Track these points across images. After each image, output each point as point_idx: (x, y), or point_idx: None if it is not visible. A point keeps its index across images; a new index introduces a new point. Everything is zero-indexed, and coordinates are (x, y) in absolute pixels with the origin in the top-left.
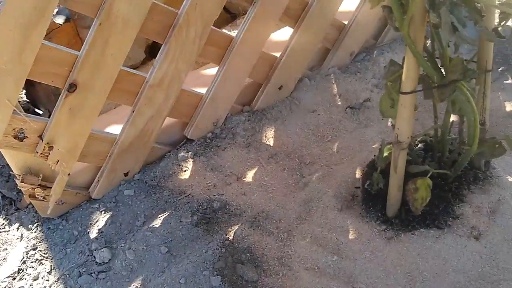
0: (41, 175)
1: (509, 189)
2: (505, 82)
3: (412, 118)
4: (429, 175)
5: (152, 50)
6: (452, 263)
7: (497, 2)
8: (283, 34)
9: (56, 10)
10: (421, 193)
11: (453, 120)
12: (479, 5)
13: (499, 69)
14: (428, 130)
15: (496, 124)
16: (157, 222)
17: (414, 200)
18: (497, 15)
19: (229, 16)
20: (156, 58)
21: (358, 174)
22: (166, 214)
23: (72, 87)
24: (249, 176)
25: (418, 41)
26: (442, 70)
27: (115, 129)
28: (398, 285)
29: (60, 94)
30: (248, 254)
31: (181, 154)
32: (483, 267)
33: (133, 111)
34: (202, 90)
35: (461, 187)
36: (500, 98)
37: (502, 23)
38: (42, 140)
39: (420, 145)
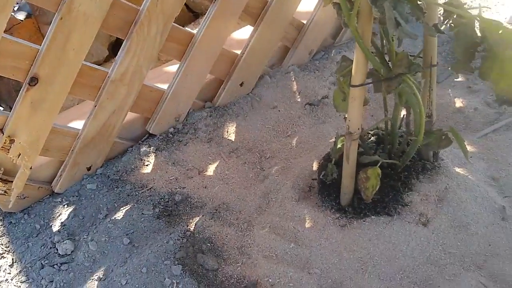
0: (2, 169)
1: (456, 178)
2: (455, 80)
3: (362, 110)
4: (379, 164)
5: (115, 47)
6: (401, 248)
7: (438, 1)
8: (245, 32)
9: (17, 6)
10: (372, 182)
11: (405, 114)
12: (420, 2)
13: (450, 68)
14: (379, 123)
15: (446, 119)
16: (119, 215)
17: (365, 188)
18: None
19: (192, 15)
20: (118, 53)
21: (315, 166)
22: (128, 207)
23: (33, 81)
24: (211, 170)
25: (365, 36)
26: (390, 65)
27: (77, 124)
28: (351, 269)
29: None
30: (209, 244)
31: (143, 149)
32: (430, 252)
33: (95, 106)
34: (164, 86)
35: (410, 177)
36: (450, 94)
37: (445, 22)
38: (3, 134)
39: (372, 138)
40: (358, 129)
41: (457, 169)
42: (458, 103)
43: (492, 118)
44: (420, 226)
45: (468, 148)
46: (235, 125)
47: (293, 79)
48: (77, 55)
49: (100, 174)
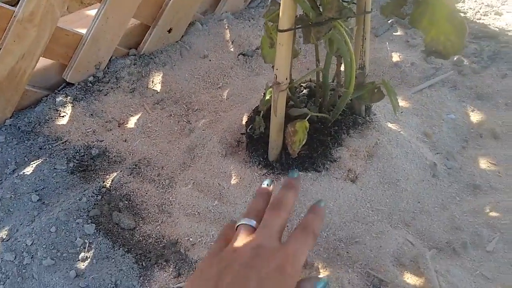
0: None
1: (387, 134)
2: (394, 33)
3: (290, 58)
4: (307, 118)
5: None
6: (328, 204)
7: None
8: None
9: None
10: (299, 136)
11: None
12: None
13: (389, 21)
14: (309, 74)
15: (382, 74)
16: (28, 170)
17: (292, 142)
18: None
19: None
20: None
21: (244, 120)
22: (40, 161)
23: None
24: (132, 122)
25: None
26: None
27: None
28: None
29: None
30: (126, 202)
31: (59, 98)
32: (358, 209)
33: (0, 49)
34: (84, 30)
35: (340, 132)
36: (388, 48)
37: None
38: None
39: (304, 90)
40: (286, 79)
41: (390, 125)
42: (396, 57)
43: (429, 73)
44: (348, 182)
45: (403, 103)
46: (161, 75)
47: (227, 27)
48: None
49: (10, 125)
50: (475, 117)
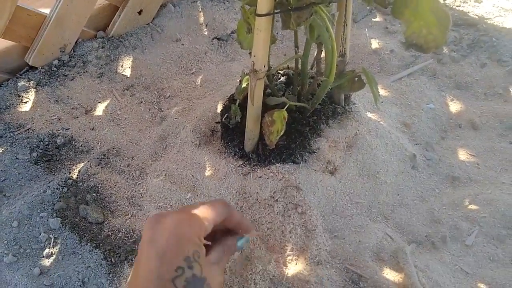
0: None
1: (367, 124)
2: (373, 19)
3: (269, 44)
4: (286, 107)
5: None
6: (307, 197)
7: None
8: None
9: None
10: (277, 126)
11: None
12: None
13: (368, 7)
14: (288, 61)
15: (361, 61)
16: None
17: (269, 133)
18: None
19: None
20: None
21: (220, 108)
22: (0, 151)
23: None
24: (100, 109)
25: None
26: None
27: None
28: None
29: None
30: (94, 194)
31: (21, 83)
32: (337, 202)
33: None
34: (47, 10)
35: (319, 122)
36: (367, 35)
37: None
38: None
39: (282, 78)
40: (264, 66)
41: (369, 114)
42: (374, 44)
43: (408, 61)
44: (327, 174)
45: (382, 92)
46: (131, 59)
47: (200, 10)
48: None
49: None
50: (454, 107)
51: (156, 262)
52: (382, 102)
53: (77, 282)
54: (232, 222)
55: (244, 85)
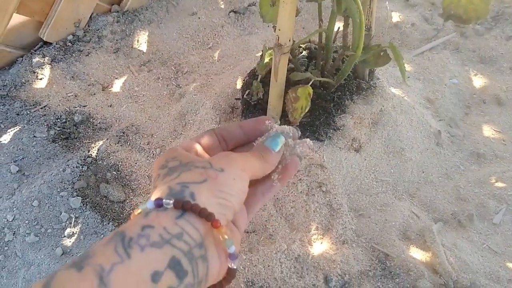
0: None
1: (392, 100)
2: None
3: (294, 17)
4: (310, 83)
5: None
6: (332, 176)
7: None
8: None
9: None
10: (301, 103)
11: (339, 27)
12: None
13: None
14: (312, 35)
15: (382, 35)
16: (6, 138)
17: (293, 109)
18: None
19: None
20: None
21: (239, 84)
22: (18, 129)
23: None
24: (117, 85)
25: None
26: None
27: None
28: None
29: None
30: (115, 173)
31: (36, 59)
32: (362, 180)
33: None
34: None
35: (343, 98)
36: (388, 8)
37: None
38: None
39: (304, 52)
40: (290, 40)
41: (393, 90)
42: (395, 17)
43: (430, 35)
44: (352, 152)
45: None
46: (147, 34)
47: None
48: None
49: None
50: (478, 81)
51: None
52: (408, 77)
53: None
54: (236, 135)
55: (266, 60)
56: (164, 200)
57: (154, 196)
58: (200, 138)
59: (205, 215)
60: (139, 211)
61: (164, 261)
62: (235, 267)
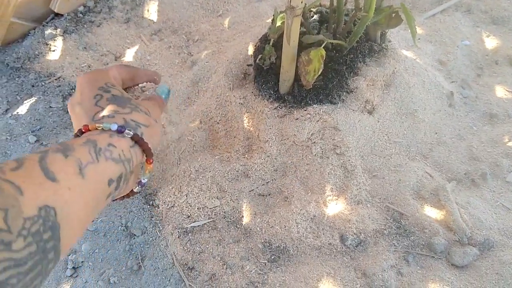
0: None
1: (404, 62)
2: None
3: None
4: (323, 45)
5: None
6: (346, 138)
7: None
8: None
9: None
10: (314, 65)
11: None
12: None
13: None
14: None
15: None
16: (22, 109)
17: (306, 73)
18: None
19: None
20: None
21: (250, 50)
22: (33, 100)
23: None
24: (129, 55)
25: None
26: None
27: None
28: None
29: None
30: None
31: (48, 31)
32: (375, 142)
33: None
34: None
35: (356, 60)
36: None
37: None
38: None
39: (315, 16)
40: (302, 2)
41: (405, 52)
42: None
43: None
44: (365, 114)
45: (416, 29)
46: (157, 3)
47: None
48: None
49: None
50: (490, 43)
51: (79, 108)
52: (418, 39)
53: (120, 227)
54: (141, 77)
55: (278, 23)
56: (126, 131)
57: (111, 120)
58: (122, 70)
59: (147, 152)
60: (101, 126)
61: (116, 174)
62: (137, 191)
